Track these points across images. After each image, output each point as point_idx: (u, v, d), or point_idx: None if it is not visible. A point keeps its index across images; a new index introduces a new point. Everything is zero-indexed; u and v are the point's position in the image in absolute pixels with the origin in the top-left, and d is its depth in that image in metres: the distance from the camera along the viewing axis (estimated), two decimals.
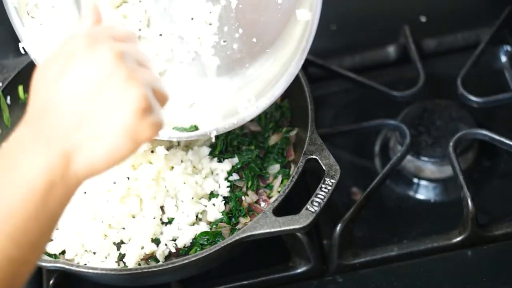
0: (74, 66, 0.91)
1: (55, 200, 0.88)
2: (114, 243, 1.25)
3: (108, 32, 0.95)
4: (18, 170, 0.87)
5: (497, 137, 1.35)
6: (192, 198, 1.25)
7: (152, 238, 1.24)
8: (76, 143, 0.89)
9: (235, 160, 1.29)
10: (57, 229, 1.25)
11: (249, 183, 1.28)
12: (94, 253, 1.24)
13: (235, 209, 1.26)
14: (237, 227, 1.25)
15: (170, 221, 1.25)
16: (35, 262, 0.89)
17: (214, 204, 1.26)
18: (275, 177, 1.31)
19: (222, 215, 1.26)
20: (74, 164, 0.88)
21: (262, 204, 1.28)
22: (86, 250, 1.24)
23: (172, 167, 1.28)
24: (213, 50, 1.22)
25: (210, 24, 1.21)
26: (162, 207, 1.26)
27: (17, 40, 1.23)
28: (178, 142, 1.31)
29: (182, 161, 1.29)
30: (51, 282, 1.25)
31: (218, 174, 1.29)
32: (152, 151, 1.28)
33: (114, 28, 0.97)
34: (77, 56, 0.91)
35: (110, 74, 0.90)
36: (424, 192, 1.42)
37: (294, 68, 1.18)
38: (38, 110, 0.91)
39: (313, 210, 1.16)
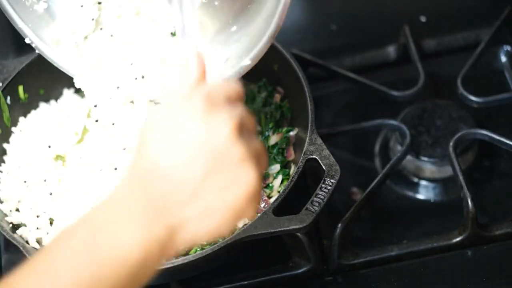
0: (191, 133, 0.88)
1: (149, 269, 0.87)
2: None
3: (224, 94, 0.91)
4: (118, 238, 0.85)
5: (497, 137, 1.35)
6: None
7: None
8: (185, 219, 0.86)
9: None
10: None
11: None
12: None
13: None
14: (237, 227, 1.25)
15: None
16: None
17: None
18: (275, 177, 1.31)
19: None
20: (177, 237, 0.87)
21: (262, 204, 1.28)
22: None
23: None
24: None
25: None
26: None
27: (17, 40, 1.23)
28: None
29: None
30: None
31: None
32: None
33: (227, 88, 0.93)
34: (196, 121, 0.88)
35: (228, 150, 0.87)
36: (424, 192, 1.42)
37: (277, 20, 1.11)
38: (145, 172, 0.88)
39: (313, 210, 1.16)
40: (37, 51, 1.27)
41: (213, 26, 1.20)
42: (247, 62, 1.16)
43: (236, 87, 0.94)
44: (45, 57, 1.27)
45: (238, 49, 1.18)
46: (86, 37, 1.26)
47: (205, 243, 0.88)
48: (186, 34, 1.11)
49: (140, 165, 0.89)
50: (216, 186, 0.87)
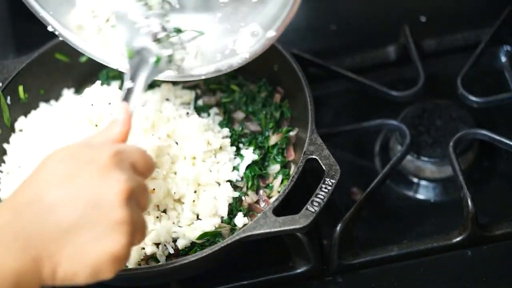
0: (83, 179, 0.93)
1: None
2: None
3: (132, 160, 0.97)
4: None
5: (497, 137, 1.35)
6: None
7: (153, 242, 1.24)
8: (51, 255, 0.91)
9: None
10: None
11: (250, 183, 1.28)
12: None
13: (235, 209, 1.26)
14: (237, 227, 1.25)
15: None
16: None
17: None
18: (275, 177, 1.31)
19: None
20: (42, 270, 0.91)
21: (262, 204, 1.28)
22: None
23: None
24: None
25: None
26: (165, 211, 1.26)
27: (17, 40, 1.23)
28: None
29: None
30: None
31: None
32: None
33: (138, 156, 0.99)
34: (92, 171, 0.94)
35: (110, 209, 0.92)
36: (424, 192, 1.42)
37: None
38: (26, 203, 0.92)
39: (313, 210, 1.16)
40: (60, 38, 1.27)
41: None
42: (272, 33, 1.18)
43: (147, 159, 1.01)
44: (70, 44, 1.28)
45: (263, 22, 1.20)
46: (107, 20, 1.26)
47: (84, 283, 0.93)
48: (127, 99, 1.14)
49: (24, 193, 0.93)
50: (87, 237, 0.92)
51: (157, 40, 1.21)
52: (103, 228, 0.92)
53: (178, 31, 1.25)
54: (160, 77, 1.25)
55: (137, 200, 0.97)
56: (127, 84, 1.16)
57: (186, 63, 1.25)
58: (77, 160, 0.95)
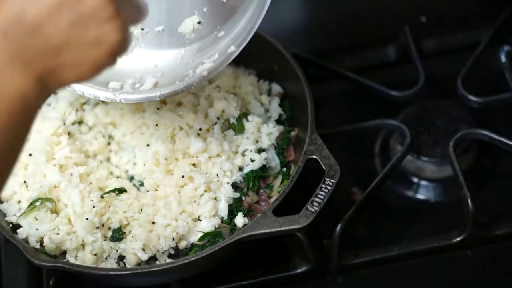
0: None
1: (29, 115, 0.91)
2: (115, 246, 1.25)
3: None
4: None
5: (497, 137, 1.35)
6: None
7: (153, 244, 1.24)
8: (52, 68, 0.90)
9: None
10: (57, 233, 1.25)
11: (250, 184, 1.28)
12: (95, 254, 1.24)
13: (235, 209, 1.26)
14: (237, 227, 1.25)
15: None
16: (16, 157, 0.91)
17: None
18: (275, 177, 1.31)
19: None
20: (48, 84, 0.91)
21: (262, 204, 1.28)
22: (83, 248, 1.24)
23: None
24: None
25: None
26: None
27: None
28: None
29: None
30: (51, 282, 1.25)
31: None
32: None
33: None
34: None
35: (96, 9, 0.90)
36: (424, 192, 1.42)
37: (262, 15, 1.17)
38: (8, 25, 0.89)
39: (313, 210, 1.16)
40: None
41: (200, 35, 1.26)
42: (232, 49, 1.19)
43: None
44: None
45: (222, 50, 1.22)
46: None
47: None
48: None
49: (4, 15, 0.90)
50: (82, 42, 0.91)
51: None
52: (96, 31, 0.91)
53: None
54: (115, 98, 1.25)
55: None
56: None
57: (142, 88, 1.26)
58: None
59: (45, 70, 0.90)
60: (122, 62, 1.19)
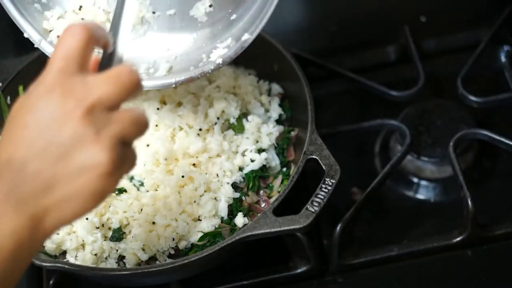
0: (43, 121, 0.88)
1: (23, 254, 0.88)
2: (115, 246, 1.25)
3: (81, 80, 0.90)
4: None
5: (497, 137, 1.35)
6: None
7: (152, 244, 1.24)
8: (45, 207, 0.88)
9: None
10: (57, 233, 1.25)
11: (251, 184, 1.28)
12: (95, 254, 1.24)
13: (235, 210, 1.26)
14: (237, 227, 1.25)
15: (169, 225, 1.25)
16: None
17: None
18: (275, 177, 1.31)
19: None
20: (44, 223, 0.89)
21: (262, 204, 1.28)
22: (83, 248, 1.24)
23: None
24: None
25: None
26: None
27: (17, 40, 1.22)
28: None
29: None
30: (51, 282, 1.25)
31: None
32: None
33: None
34: (47, 109, 0.88)
35: (76, 135, 0.88)
36: (424, 192, 1.42)
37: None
38: (5, 163, 0.89)
39: (313, 210, 1.16)
40: (35, 46, 1.27)
41: (213, 18, 1.24)
42: (246, 36, 1.19)
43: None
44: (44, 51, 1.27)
45: (237, 35, 1.21)
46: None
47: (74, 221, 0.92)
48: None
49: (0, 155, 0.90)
50: (71, 172, 0.88)
51: None
52: (82, 157, 0.88)
53: None
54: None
55: (109, 106, 0.90)
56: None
57: (157, 74, 1.25)
58: (34, 103, 0.89)
59: (39, 209, 0.88)
60: (135, 48, 1.19)
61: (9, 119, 0.91)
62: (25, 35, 1.23)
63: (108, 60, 0.98)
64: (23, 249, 0.88)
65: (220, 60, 1.21)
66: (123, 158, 0.90)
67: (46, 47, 1.25)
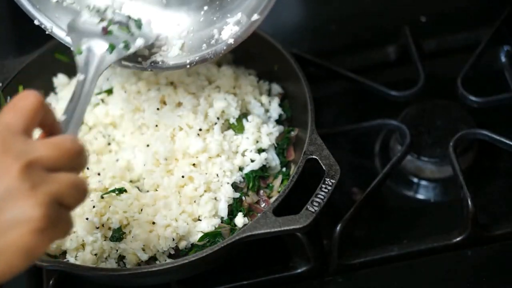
0: None
1: None
2: (115, 246, 1.25)
3: (23, 140, 0.91)
4: None
5: (497, 137, 1.35)
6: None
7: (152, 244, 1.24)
8: None
9: None
10: None
11: (251, 184, 1.28)
12: (95, 254, 1.24)
13: (235, 210, 1.26)
14: (237, 227, 1.25)
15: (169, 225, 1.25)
16: None
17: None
18: (275, 177, 1.31)
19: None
20: None
21: (262, 204, 1.28)
22: (83, 248, 1.24)
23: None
24: None
25: None
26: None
27: (17, 40, 1.23)
28: None
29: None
30: (51, 282, 1.25)
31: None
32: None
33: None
34: None
35: (12, 189, 0.88)
36: (424, 192, 1.42)
37: None
38: None
39: (313, 210, 1.16)
40: (47, 32, 1.27)
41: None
42: (256, 17, 1.18)
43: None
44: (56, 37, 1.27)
45: (247, 10, 1.20)
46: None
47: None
48: (78, 91, 1.12)
49: None
50: (2, 225, 0.87)
51: (108, 32, 1.22)
52: (15, 211, 0.88)
53: (128, 18, 1.27)
54: (143, 66, 1.25)
55: (49, 166, 0.91)
56: (78, 76, 1.15)
57: (170, 53, 1.25)
58: None
59: None
60: (145, 26, 1.19)
61: None
62: (36, 22, 1.23)
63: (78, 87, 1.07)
64: None
65: (231, 41, 1.20)
66: (57, 218, 0.90)
67: (58, 33, 1.25)
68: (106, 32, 1.22)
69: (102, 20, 1.24)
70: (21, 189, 0.88)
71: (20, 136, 0.92)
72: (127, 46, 1.22)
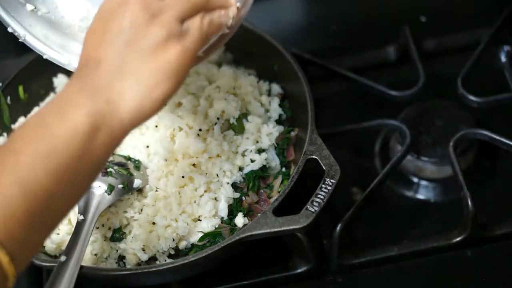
0: (112, 18, 0.98)
1: (99, 144, 0.93)
2: (115, 246, 1.25)
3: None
4: (65, 114, 0.92)
5: (497, 137, 1.35)
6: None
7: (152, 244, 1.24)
8: (119, 90, 0.94)
9: None
10: (57, 233, 1.25)
11: (250, 184, 1.28)
12: (95, 254, 1.24)
13: (235, 210, 1.26)
14: (237, 227, 1.25)
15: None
16: (73, 202, 0.93)
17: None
18: (275, 177, 1.31)
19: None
20: (119, 109, 0.94)
21: (262, 204, 1.28)
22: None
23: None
24: None
25: None
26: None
27: (17, 40, 1.22)
28: None
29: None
30: None
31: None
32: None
33: None
34: (114, 9, 0.98)
35: (137, 21, 0.96)
36: (424, 192, 1.42)
37: None
38: (83, 64, 0.97)
39: (313, 210, 1.16)
40: (19, 40, 1.26)
41: None
42: None
43: None
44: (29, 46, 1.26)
45: None
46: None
47: (152, 110, 0.97)
48: (78, 231, 1.19)
49: (80, 62, 0.99)
50: (138, 54, 0.96)
51: (107, 173, 1.25)
52: (145, 40, 0.96)
53: (127, 159, 1.29)
54: None
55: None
56: (78, 217, 1.19)
57: None
58: (104, 9, 0.99)
59: (113, 94, 0.94)
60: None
61: (92, 25, 1.00)
62: (9, 29, 1.22)
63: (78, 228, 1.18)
64: (99, 134, 0.93)
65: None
66: (188, 31, 0.99)
67: (31, 41, 1.24)
68: (105, 173, 1.24)
69: None
70: (145, 19, 0.97)
71: None
72: (126, 187, 1.24)
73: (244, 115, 1.33)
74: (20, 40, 1.22)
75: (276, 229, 1.16)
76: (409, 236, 1.34)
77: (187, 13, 1.00)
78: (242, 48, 1.41)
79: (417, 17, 1.61)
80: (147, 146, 1.30)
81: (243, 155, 1.30)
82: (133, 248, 1.23)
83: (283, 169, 1.31)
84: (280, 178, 1.30)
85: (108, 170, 1.25)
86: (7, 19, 1.22)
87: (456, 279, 1.27)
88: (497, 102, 1.43)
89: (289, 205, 1.20)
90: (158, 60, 0.96)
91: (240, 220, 1.25)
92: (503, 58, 1.53)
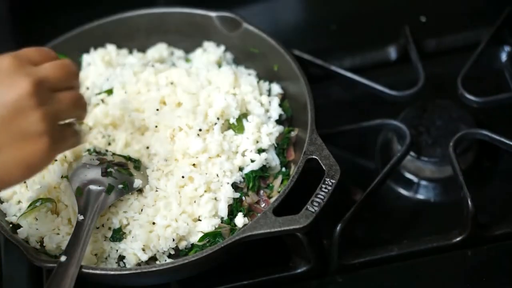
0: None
1: None
2: (115, 246, 1.25)
3: (31, 55, 1.02)
4: None
5: (497, 137, 1.35)
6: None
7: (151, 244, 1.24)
8: None
9: None
10: (57, 233, 1.25)
11: (251, 184, 1.28)
12: (95, 254, 1.24)
13: (235, 210, 1.26)
14: (237, 227, 1.25)
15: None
16: None
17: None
18: (275, 177, 1.31)
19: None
20: None
21: (262, 204, 1.28)
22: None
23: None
24: None
25: None
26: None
27: (17, 40, 1.23)
28: None
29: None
30: None
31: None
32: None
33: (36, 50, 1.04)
34: (3, 78, 0.99)
35: (22, 103, 0.97)
36: (424, 192, 1.42)
37: None
38: None
39: (313, 210, 1.16)
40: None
41: None
42: None
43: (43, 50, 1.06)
44: None
45: None
46: None
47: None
48: (78, 231, 1.19)
49: None
50: (10, 136, 0.97)
51: (107, 173, 1.25)
52: (23, 125, 0.98)
53: (127, 159, 1.29)
54: None
55: (54, 86, 1.02)
56: (78, 217, 1.20)
57: None
58: None
59: None
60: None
61: None
62: None
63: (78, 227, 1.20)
64: None
65: None
66: (61, 134, 1.02)
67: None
68: (105, 173, 1.24)
69: (101, 162, 1.26)
70: (30, 104, 0.98)
71: (32, 63, 1.03)
72: (126, 187, 1.24)
73: (244, 115, 1.33)
74: None
75: (276, 229, 1.16)
76: (409, 236, 1.34)
77: (68, 116, 1.05)
78: (242, 48, 1.41)
79: (417, 17, 1.61)
80: (147, 147, 1.30)
81: (243, 155, 1.30)
82: (133, 248, 1.23)
83: (283, 169, 1.31)
84: (280, 178, 1.30)
85: (108, 170, 1.25)
86: None
87: (456, 279, 1.27)
88: (497, 102, 1.43)
89: (289, 205, 1.20)
90: (26, 149, 0.98)
91: (240, 220, 1.25)
92: (503, 58, 1.53)
